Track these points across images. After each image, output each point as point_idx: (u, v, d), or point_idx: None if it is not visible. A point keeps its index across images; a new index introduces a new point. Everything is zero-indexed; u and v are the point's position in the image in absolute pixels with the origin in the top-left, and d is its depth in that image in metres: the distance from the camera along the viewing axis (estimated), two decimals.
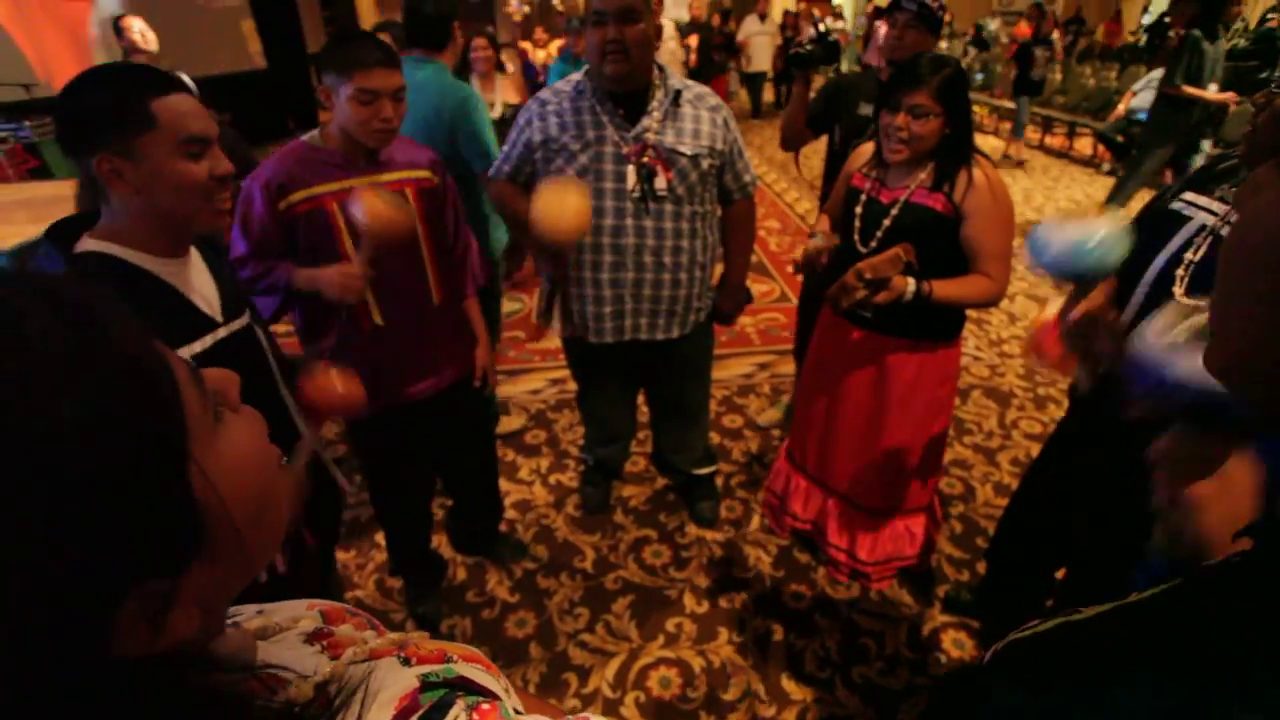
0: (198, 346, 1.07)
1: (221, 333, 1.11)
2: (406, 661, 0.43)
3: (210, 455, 0.35)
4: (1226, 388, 0.37)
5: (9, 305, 0.29)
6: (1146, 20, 9.38)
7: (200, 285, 1.11)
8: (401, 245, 1.50)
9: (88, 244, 1.00)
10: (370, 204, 1.36)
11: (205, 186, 1.02)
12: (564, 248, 1.65)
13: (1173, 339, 0.79)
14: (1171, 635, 0.34)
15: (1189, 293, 1.11)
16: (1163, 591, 0.37)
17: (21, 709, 0.29)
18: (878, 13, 2.15)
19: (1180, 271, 1.15)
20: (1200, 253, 1.15)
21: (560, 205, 1.52)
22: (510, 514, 2.40)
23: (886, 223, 1.63)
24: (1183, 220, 1.21)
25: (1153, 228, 1.26)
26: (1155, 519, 0.67)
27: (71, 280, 0.33)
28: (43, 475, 0.28)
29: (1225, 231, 1.10)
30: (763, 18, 9.23)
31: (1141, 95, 5.96)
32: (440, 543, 2.21)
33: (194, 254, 1.12)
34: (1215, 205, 1.16)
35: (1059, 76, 8.04)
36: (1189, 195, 1.24)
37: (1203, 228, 1.17)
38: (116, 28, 3.67)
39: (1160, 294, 1.17)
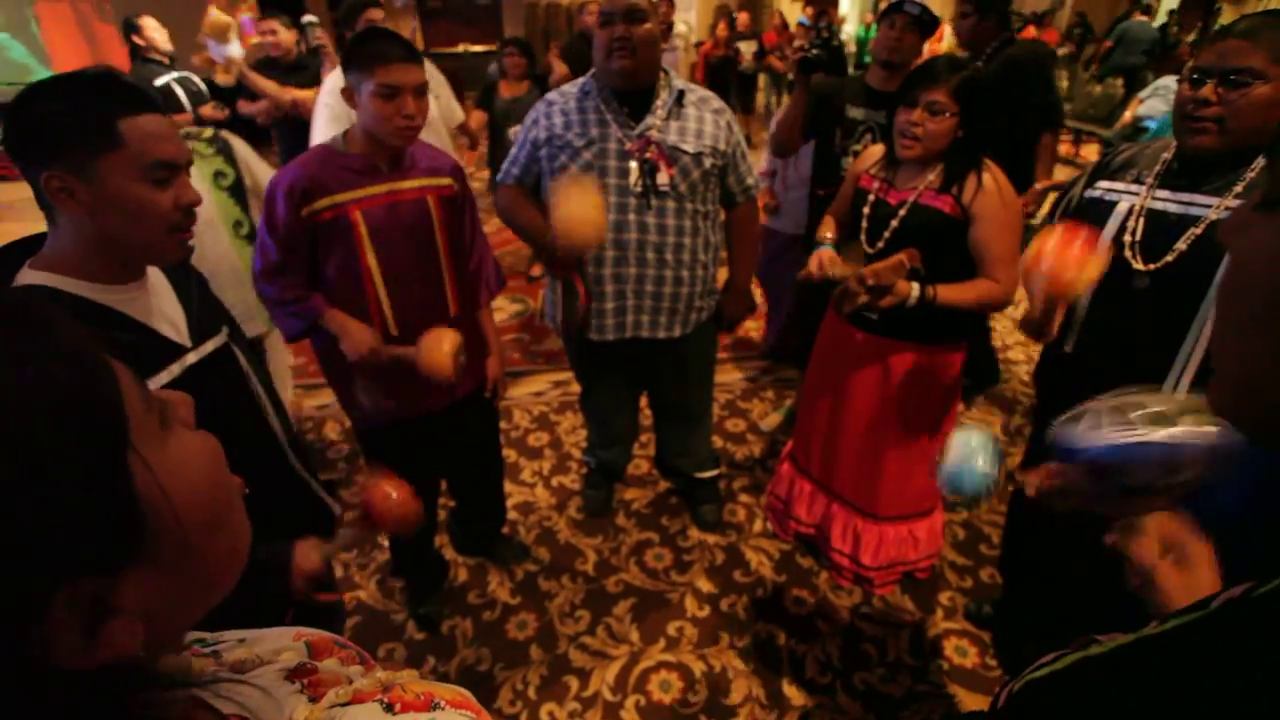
0: (164, 377, 0.97)
1: (191, 358, 1.02)
2: (390, 708, 0.41)
3: (156, 456, 0.34)
4: (1230, 423, 0.39)
5: None
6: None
7: (163, 309, 1.01)
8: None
9: (26, 276, 0.90)
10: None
11: (169, 217, 0.93)
12: (586, 250, 1.65)
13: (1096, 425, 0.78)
14: (1192, 682, 0.34)
15: (1145, 264, 1.26)
16: (1181, 627, 0.36)
17: None
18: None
19: (1128, 254, 1.28)
20: (1140, 232, 1.28)
21: (581, 209, 1.50)
22: (512, 516, 2.39)
23: (894, 224, 1.63)
24: (1109, 205, 1.34)
25: (1081, 217, 1.38)
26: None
27: (14, 288, 0.33)
28: None
29: (1154, 207, 1.27)
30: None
31: (1149, 102, 5.93)
32: (442, 544, 2.20)
33: (154, 275, 1.03)
34: (1133, 187, 1.31)
35: (1065, 84, 8.03)
36: (1104, 184, 1.37)
37: (1131, 208, 1.30)
38: (134, 25, 3.68)
39: (1113, 274, 1.26)
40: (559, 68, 4.04)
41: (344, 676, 0.45)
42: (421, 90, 1.43)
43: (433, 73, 2.76)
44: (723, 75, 7.36)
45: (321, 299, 1.53)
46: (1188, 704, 0.32)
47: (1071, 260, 1.16)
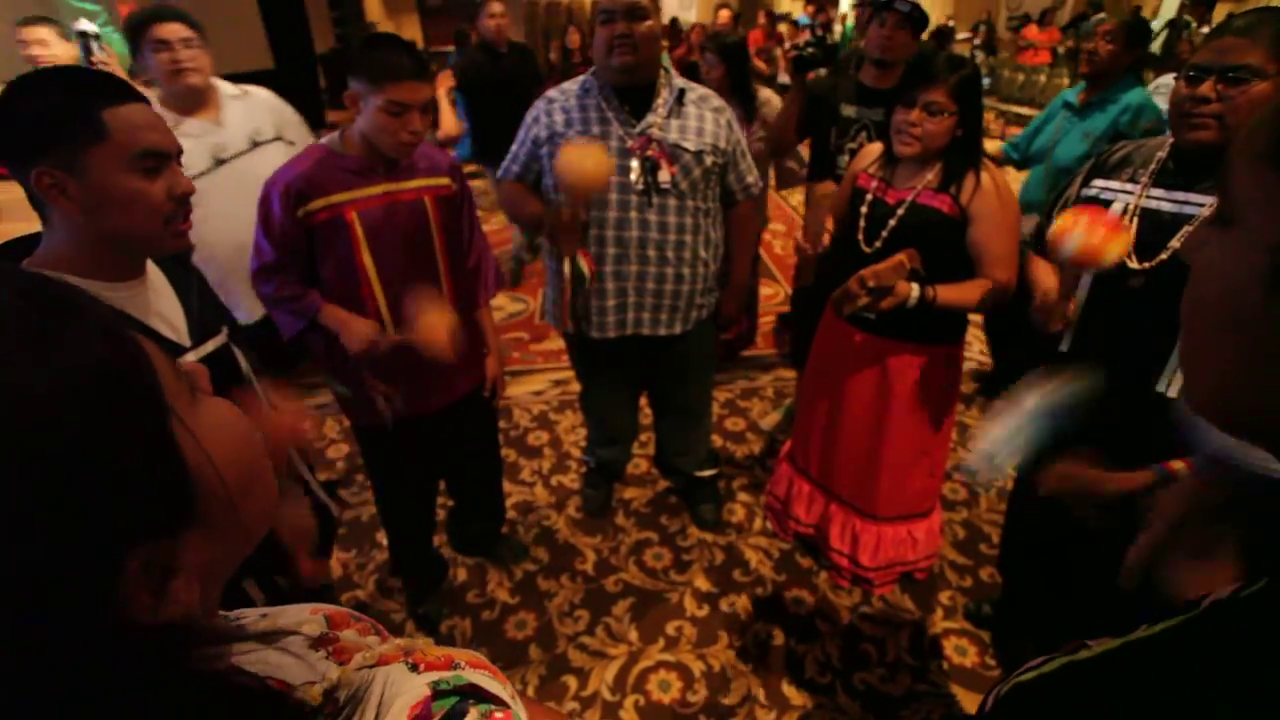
0: None
1: (190, 358, 1.02)
2: (414, 667, 0.42)
3: (193, 421, 0.36)
4: (1208, 421, 0.40)
5: None
6: (1156, 24, 9.21)
7: (162, 309, 1.01)
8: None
9: None
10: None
11: (163, 208, 0.92)
12: (587, 196, 1.67)
13: None
14: (1179, 685, 0.34)
15: (1140, 262, 1.27)
16: (1170, 629, 0.36)
17: (35, 676, 0.29)
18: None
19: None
20: (1135, 231, 1.27)
21: (583, 153, 1.56)
22: (511, 515, 2.38)
23: (892, 223, 1.62)
24: (1105, 205, 1.33)
25: None
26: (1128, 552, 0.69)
27: (36, 273, 0.34)
28: (31, 442, 0.28)
29: (1148, 206, 1.27)
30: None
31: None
32: (441, 543, 2.20)
33: (153, 274, 1.03)
34: (1128, 186, 1.32)
35: (1066, 81, 8.03)
36: (1099, 182, 1.38)
37: (1126, 207, 1.30)
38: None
39: (1108, 273, 1.27)
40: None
41: (365, 644, 0.46)
42: (428, 107, 1.43)
43: (289, 118, 2.40)
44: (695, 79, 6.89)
45: (319, 295, 1.53)
46: (1175, 707, 0.32)
47: (1103, 228, 1.20)
